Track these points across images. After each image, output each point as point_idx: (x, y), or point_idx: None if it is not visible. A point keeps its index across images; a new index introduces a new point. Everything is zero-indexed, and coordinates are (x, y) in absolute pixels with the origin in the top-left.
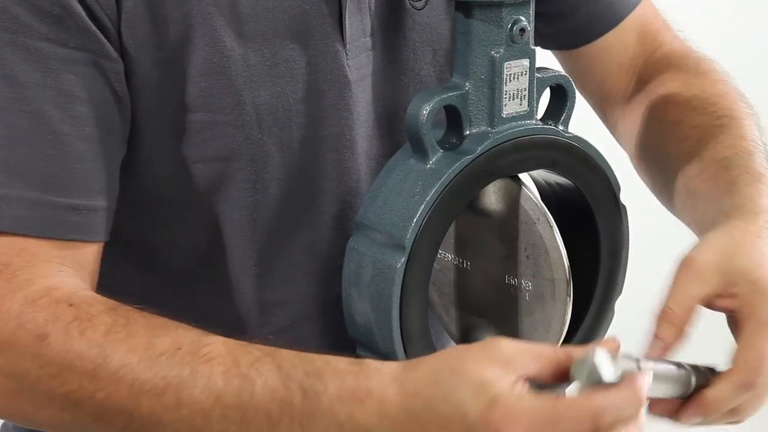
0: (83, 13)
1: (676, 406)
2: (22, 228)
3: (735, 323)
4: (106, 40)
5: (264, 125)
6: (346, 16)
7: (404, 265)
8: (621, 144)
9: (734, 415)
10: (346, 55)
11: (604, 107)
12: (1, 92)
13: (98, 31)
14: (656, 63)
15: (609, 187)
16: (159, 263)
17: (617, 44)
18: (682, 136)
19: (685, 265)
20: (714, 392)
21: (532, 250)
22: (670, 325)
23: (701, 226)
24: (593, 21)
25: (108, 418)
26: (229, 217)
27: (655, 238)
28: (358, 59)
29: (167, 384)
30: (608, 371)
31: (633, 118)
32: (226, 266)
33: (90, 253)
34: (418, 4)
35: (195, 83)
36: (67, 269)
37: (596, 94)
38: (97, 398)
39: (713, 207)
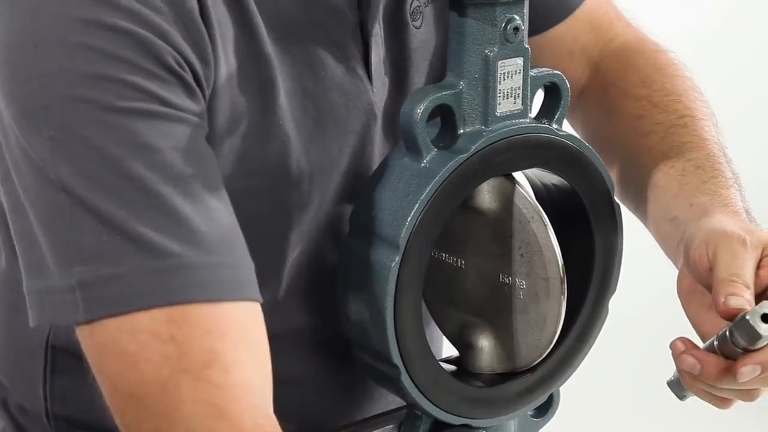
0: (191, 79)
1: (724, 370)
2: (213, 294)
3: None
4: (205, 106)
5: (314, 178)
6: (372, 53)
7: (398, 264)
8: (575, 131)
9: None
10: (373, 91)
11: None
12: (141, 161)
13: (202, 97)
14: (612, 54)
15: (603, 185)
16: None
17: (567, 35)
18: (645, 131)
19: (727, 237)
20: None
21: (526, 248)
22: (746, 288)
23: (660, 217)
24: (542, 14)
25: None
26: (263, 262)
27: (649, 236)
28: (380, 92)
29: None
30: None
31: (587, 107)
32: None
33: (260, 311)
34: (417, 23)
35: (257, 150)
36: (257, 357)
37: None
38: None
39: (681, 201)
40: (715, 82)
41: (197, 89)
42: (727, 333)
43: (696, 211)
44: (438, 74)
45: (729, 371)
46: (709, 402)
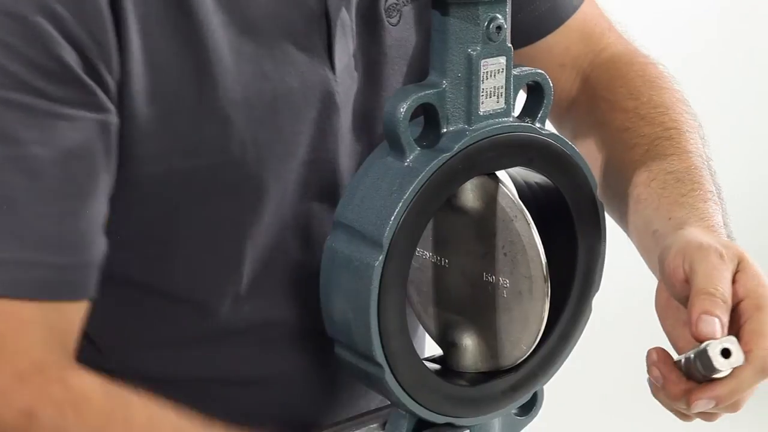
0: (81, 69)
1: (684, 391)
2: (16, 291)
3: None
4: (104, 94)
5: (263, 161)
6: (335, 42)
7: (382, 263)
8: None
9: (736, 405)
10: (336, 81)
11: None
12: None
13: (96, 86)
14: (602, 66)
15: (586, 184)
16: (144, 300)
17: (557, 46)
18: (630, 144)
19: (703, 250)
20: (735, 381)
21: (509, 247)
22: (723, 304)
23: (641, 230)
24: (533, 24)
25: None
26: (219, 255)
27: None
28: (344, 84)
29: None
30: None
31: (577, 119)
32: (206, 294)
33: (79, 310)
34: (393, 20)
35: (200, 129)
36: (55, 338)
37: None
38: None
39: (660, 215)
40: (706, 91)
41: (89, 79)
42: (691, 357)
43: (673, 224)
44: (418, 74)
45: (687, 395)
46: (672, 412)
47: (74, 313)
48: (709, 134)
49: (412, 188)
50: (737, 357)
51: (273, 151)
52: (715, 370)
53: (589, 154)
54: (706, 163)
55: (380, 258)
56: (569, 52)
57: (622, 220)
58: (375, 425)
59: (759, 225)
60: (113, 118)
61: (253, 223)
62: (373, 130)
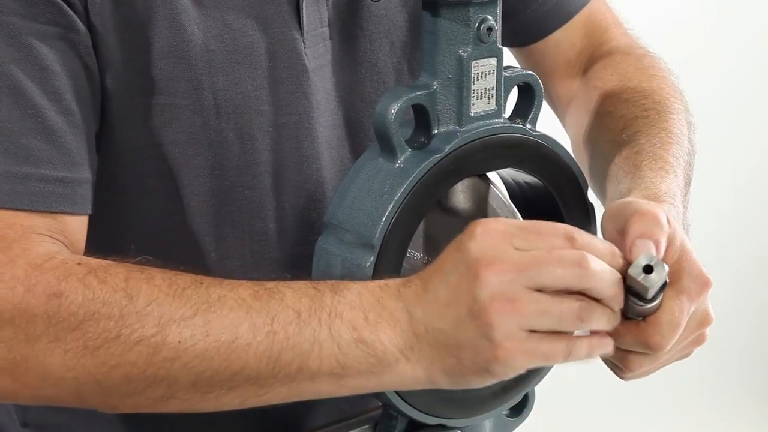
0: None
1: (640, 336)
2: (12, 202)
3: None
4: (74, 14)
5: (222, 111)
6: (303, 5)
7: (373, 264)
8: (568, 136)
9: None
10: (304, 44)
11: (553, 101)
12: None
13: (66, 6)
14: (600, 58)
15: (577, 185)
16: (114, 251)
17: (564, 42)
18: (610, 127)
19: (632, 203)
20: (671, 307)
21: None
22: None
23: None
24: (541, 20)
25: (130, 358)
26: (187, 204)
27: None
28: (315, 48)
29: (196, 310)
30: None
31: (575, 111)
32: (186, 254)
33: (78, 224)
34: None
35: (156, 66)
36: (58, 243)
37: (546, 89)
38: (121, 337)
39: (618, 188)
40: (707, 78)
41: (61, 2)
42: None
43: (619, 195)
44: (403, 54)
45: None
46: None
47: (74, 226)
48: (706, 134)
49: (403, 189)
50: (660, 274)
51: (233, 102)
52: (646, 288)
53: (583, 143)
54: (679, 140)
55: (371, 259)
56: (574, 49)
57: (603, 202)
58: (366, 427)
59: (751, 226)
60: (87, 39)
61: (216, 176)
62: (351, 105)
